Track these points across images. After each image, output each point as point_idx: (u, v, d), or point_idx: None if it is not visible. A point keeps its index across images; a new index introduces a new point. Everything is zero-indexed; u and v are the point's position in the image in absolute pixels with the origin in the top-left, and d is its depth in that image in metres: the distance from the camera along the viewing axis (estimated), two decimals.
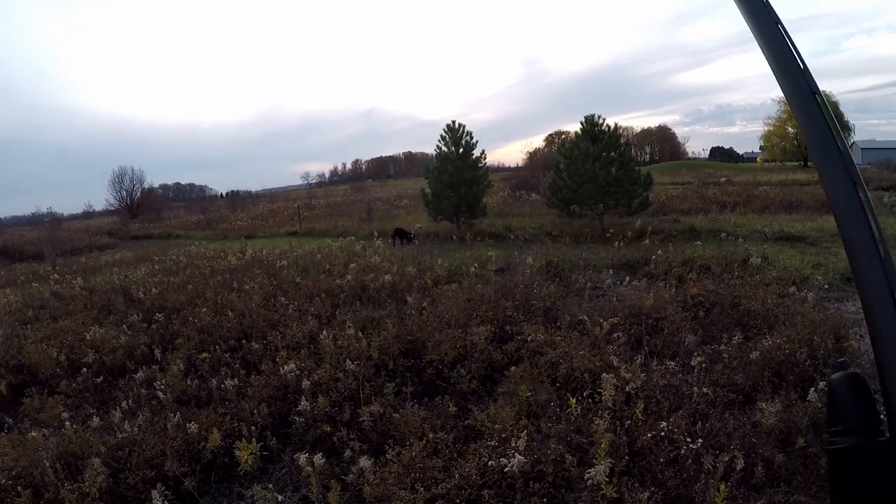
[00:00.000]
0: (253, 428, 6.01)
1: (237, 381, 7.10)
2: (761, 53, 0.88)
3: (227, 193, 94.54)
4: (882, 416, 0.73)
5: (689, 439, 5.01)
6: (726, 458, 4.75)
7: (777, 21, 0.87)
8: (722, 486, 4.27)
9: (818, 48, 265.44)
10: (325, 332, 8.22)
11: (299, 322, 9.05)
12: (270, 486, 5.23)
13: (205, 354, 8.19)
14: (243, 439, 5.60)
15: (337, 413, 6.27)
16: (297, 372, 7.06)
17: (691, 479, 4.67)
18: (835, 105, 70.40)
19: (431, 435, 5.49)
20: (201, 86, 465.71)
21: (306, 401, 6.29)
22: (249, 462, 5.39)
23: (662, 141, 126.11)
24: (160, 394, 7.06)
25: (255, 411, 6.36)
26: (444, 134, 23.42)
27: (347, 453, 5.50)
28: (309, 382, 6.72)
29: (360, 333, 8.11)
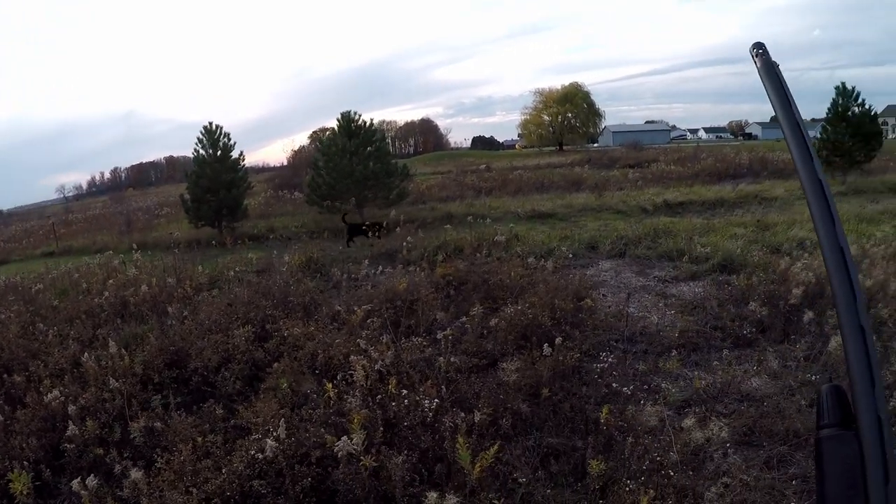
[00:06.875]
0: (26, 463, 5.69)
1: (2, 418, 6.57)
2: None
3: None
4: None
5: (436, 403, 5.64)
6: (472, 416, 5.41)
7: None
8: (461, 440, 4.85)
9: (574, 44, 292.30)
10: (87, 354, 7.88)
11: (61, 347, 8.53)
12: None
13: None
14: (15, 472, 5.35)
15: (108, 434, 6.15)
16: (62, 399, 6.73)
17: (442, 439, 5.25)
18: (587, 94, 78.10)
19: (201, 439, 5.59)
20: None
21: (74, 426, 6.05)
22: (24, 493, 5.16)
23: (426, 133, 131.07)
24: None
25: (24, 446, 5.99)
26: (201, 136, 22.76)
27: (117, 468, 5.42)
28: (75, 407, 6.43)
29: (123, 351, 7.83)
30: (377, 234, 16.14)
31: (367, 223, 17.53)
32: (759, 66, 1.06)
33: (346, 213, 18.77)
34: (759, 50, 1.07)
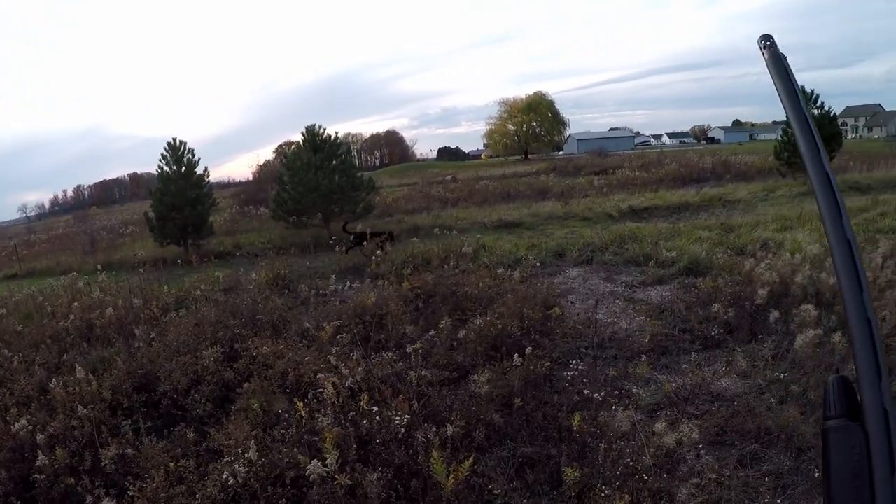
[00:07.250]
0: None
1: None
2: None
3: None
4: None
5: (407, 419, 5.66)
6: (445, 430, 5.44)
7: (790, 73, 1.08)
8: (436, 454, 4.89)
9: (538, 53, 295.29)
10: (54, 380, 7.75)
11: (26, 374, 8.37)
12: None
13: None
14: None
15: (78, 462, 6.04)
16: (30, 428, 6.61)
17: (416, 454, 5.28)
18: (551, 103, 79.41)
19: (173, 464, 5.55)
20: None
21: (43, 455, 5.94)
22: None
23: (392, 145, 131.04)
24: None
25: None
26: (164, 153, 22.46)
27: (89, 498, 5.33)
28: (44, 436, 6.32)
29: (90, 376, 7.73)
30: (386, 242, 15.74)
31: (380, 232, 16.74)
32: (766, 58, 1.07)
33: (347, 223, 18.67)
34: (768, 42, 1.08)
